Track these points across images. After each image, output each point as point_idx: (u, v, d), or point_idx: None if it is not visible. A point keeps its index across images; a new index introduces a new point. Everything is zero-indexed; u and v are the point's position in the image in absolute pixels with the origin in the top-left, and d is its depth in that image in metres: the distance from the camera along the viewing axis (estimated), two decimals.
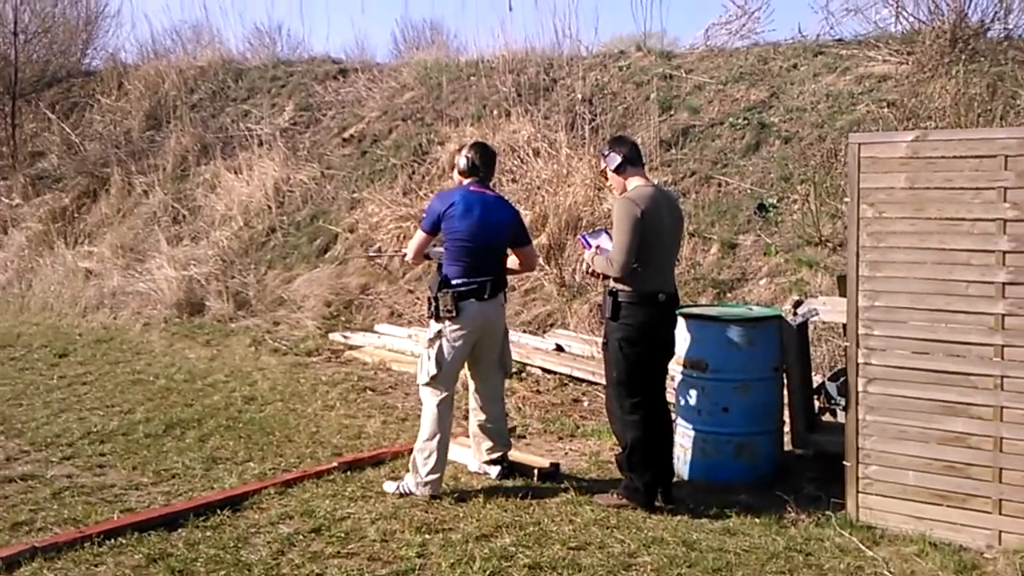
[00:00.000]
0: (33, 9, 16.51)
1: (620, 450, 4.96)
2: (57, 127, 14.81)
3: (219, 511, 4.60)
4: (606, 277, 4.86)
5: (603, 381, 5.72)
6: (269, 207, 11.40)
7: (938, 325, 4.38)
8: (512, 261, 5.28)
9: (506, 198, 5.51)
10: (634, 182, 4.85)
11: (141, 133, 14.09)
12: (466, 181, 5.14)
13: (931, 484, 4.41)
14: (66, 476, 5.22)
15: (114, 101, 15.06)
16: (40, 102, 15.72)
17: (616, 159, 4.86)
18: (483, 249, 4.97)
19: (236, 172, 12.05)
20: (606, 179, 5.10)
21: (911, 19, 10.04)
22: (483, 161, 5.16)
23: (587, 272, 5.29)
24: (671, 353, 4.99)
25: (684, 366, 5.30)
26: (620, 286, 4.74)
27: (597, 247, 4.94)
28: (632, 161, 4.87)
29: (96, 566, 4.02)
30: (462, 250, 4.94)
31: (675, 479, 5.04)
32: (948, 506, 4.37)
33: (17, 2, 15.75)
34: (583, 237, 5.16)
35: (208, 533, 4.37)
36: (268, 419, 6.41)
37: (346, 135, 12.26)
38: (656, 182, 5.20)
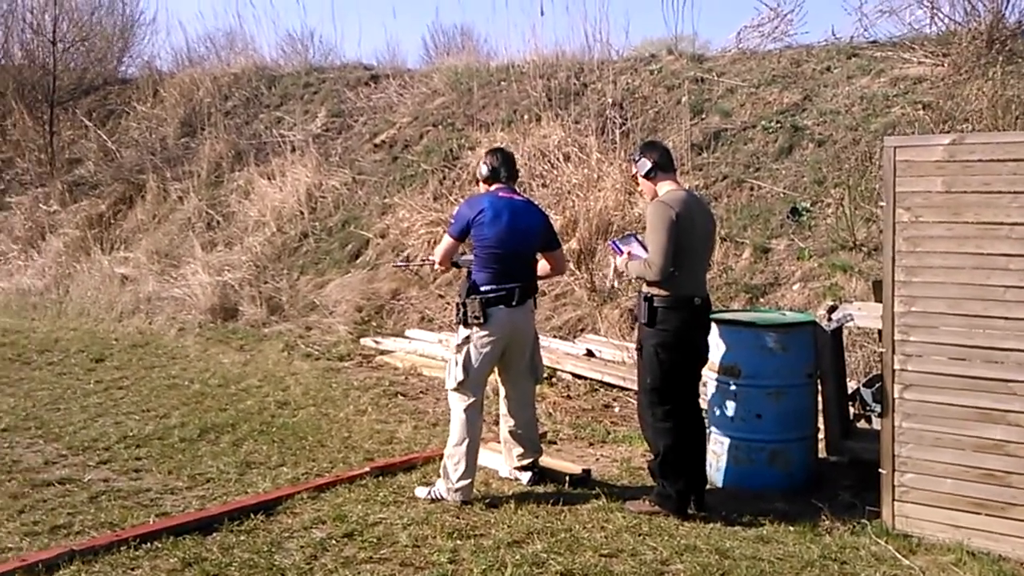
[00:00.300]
0: (71, 18, 16.79)
1: (652, 457, 4.93)
2: (94, 134, 15.04)
3: (253, 515, 4.64)
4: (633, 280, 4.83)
5: (634, 387, 5.70)
6: (301, 213, 11.50)
7: (975, 331, 4.31)
8: (542, 265, 5.27)
9: (535, 202, 5.51)
10: (665, 187, 4.83)
11: (176, 140, 14.28)
12: (492, 187, 5.14)
13: (969, 492, 4.35)
14: (103, 480, 5.29)
15: (150, 108, 15.27)
16: (77, 110, 15.98)
17: (646, 165, 4.84)
18: (512, 255, 4.97)
19: (269, 178, 12.17)
20: (637, 184, 5.08)
21: (947, 20, 9.94)
22: (503, 163, 5.16)
23: (620, 276, 5.26)
24: (705, 359, 4.96)
25: (717, 372, 5.26)
26: (656, 291, 4.71)
27: (629, 252, 4.91)
28: (663, 167, 4.86)
29: (133, 569, 4.06)
30: (491, 257, 4.94)
31: (708, 486, 5.00)
32: (987, 515, 4.30)
33: (56, 11, 16.03)
34: (614, 243, 5.13)
35: (242, 537, 4.40)
36: (301, 424, 6.46)
37: (377, 141, 12.34)
38: (687, 187, 5.17)
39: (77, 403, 7.09)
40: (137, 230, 12.74)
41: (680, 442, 4.74)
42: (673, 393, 4.76)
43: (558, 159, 10.07)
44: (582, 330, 8.34)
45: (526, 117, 11.01)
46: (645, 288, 4.77)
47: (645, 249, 4.82)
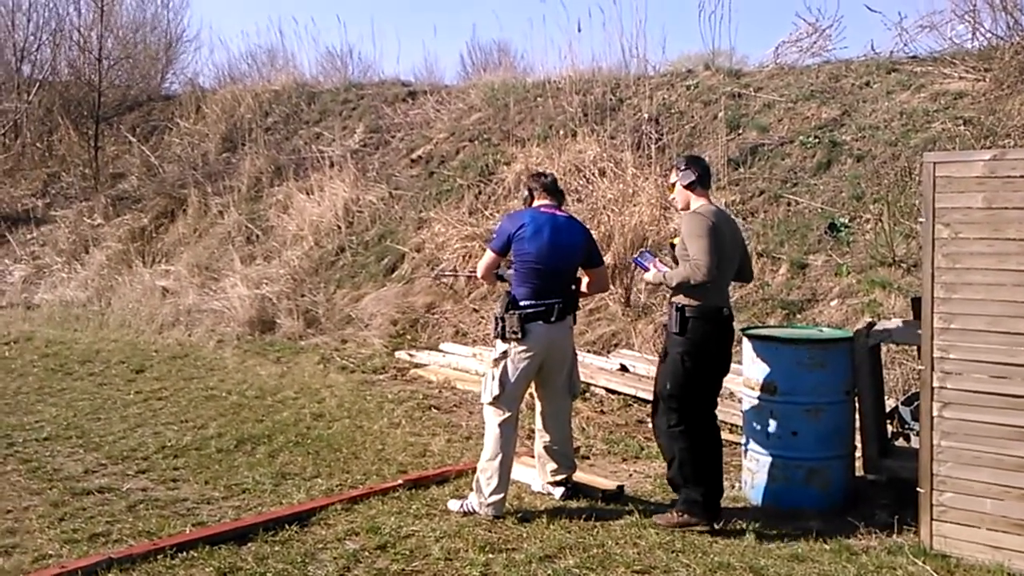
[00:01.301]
0: (116, 36, 17.16)
1: (667, 467, 4.93)
2: (137, 150, 15.33)
3: (287, 526, 4.68)
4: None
5: None
6: (339, 227, 11.61)
7: (1017, 349, 4.24)
8: (586, 282, 5.26)
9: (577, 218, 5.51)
10: (699, 201, 4.93)
11: (217, 155, 14.51)
12: (536, 203, 5.17)
13: (1010, 512, 4.26)
14: (141, 489, 5.36)
15: (192, 124, 15.54)
16: (121, 125, 16.31)
17: (690, 176, 4.93)
18: (552, 271, 4.97)
19: (308, 193, 12.31)
20: (672, 190, 5.11)
21: (988, 35, 9.82)
22: (546, 188, 5.20)
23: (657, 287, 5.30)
24: (727, 368, 4.97)
25: (753, 389, 5.22)
26: (687, 301, 4.77)
27: (654, 265, 4.97)
28: (702, 182, 4.96)
29: None
30: (531, 272, 4.95)
31: (742, 505, 4.96)
32: None
33: (102, 29, 16.38)
34: (638, 261, 5.19)
35: (277, 548, 4.44)
36: (335, 436, 6.50)
37: (414, 156, 12.44)
38: (718, 205, 5.20)
39: (117, 413, 7.20)
40: (178, 243, 12.94)
41: (695, 446, 4.77)
42: (691, 400, 4.80)
43: (594, 174, 10.08)
44: (616, 345, 8.32)
45: (562, 132, 11.04)
46: (676, 299, 4.81)
47: (674, 263, 4.91)
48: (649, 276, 5.05)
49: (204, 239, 12.75)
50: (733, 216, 6.62)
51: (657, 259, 5.06)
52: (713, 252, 4.66)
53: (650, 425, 6.70)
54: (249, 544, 4.47)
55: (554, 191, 5.26)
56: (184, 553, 4.31)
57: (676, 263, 4.87)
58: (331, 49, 18.20)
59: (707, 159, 6.20)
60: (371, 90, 14.75)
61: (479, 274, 5.28)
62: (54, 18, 17.40)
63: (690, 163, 5.01)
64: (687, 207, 4.95)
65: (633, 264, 5.38)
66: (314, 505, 4.97)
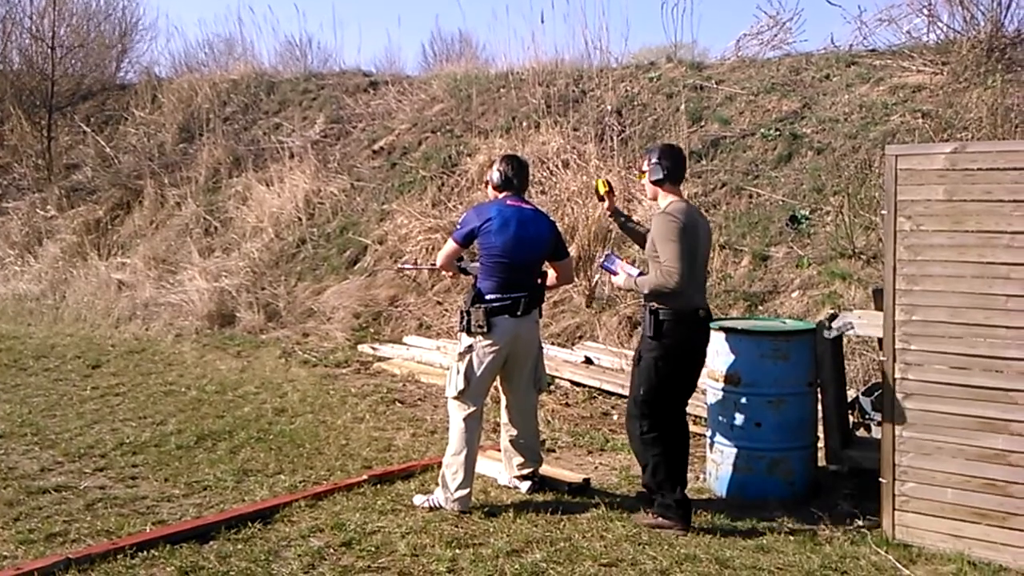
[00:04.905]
0: (70, 23, 16.77)
1: (642, 471, 4.88)
2: (92, 140, 15.03)
3: (250, 524, 4.61)
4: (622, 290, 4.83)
5: None
6: (299, 219, 11.48)
7: (977, 340, 4.30)
8: (550, 275, 5.23)
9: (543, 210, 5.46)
10: (668, 198, 4.81)
11: (174, 146, 14.27)
12: (501, 195, 5.11)
13: (970, 502, 4.33)
14: (99, 487, 5.26)
15: (148, 114, 15.27)
16: (75, 115, 15.97)
17: (658, 173, 4.78)
18: (519, 265, 4.93)
19: (267, 184, 12.15)
20: (641, 177, 4.97)
21: (945, 28, 9.97)
22: (516, 173, 5.11)
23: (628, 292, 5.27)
24: (701, 368, 4.95)
25: (717, 380, 5.25)
26: (661, 305, 4.68)
27: (622, 268, 4.93)
28: (672, 178, 4.82)
29: None
30: (497, 265, 4.90)
31: (707, 496, 4.98)
32: (988, 524, 4.29)
33: (55, 16, 16.01)
34: (606, 266, 5.10)
35: (239, 546, 4.37)
36: (298, 431, 6.43)
37: (376, 147, 12.33)
38: (687, 200, 5.15)
39: (73, 409, 7.05)
40: (134, 236, 12.72)
41: (668, 451, 4.74)
42: (664, 404, 4.74)
43: (557, 166, 10.06)
44: (580, 337, 8.32)
45: (525, 124, 11.00)
46: (651, 302, 4.73)
47: (636, 265, 4.88)
48: (619, 281, 4.95)
49: (161, 231, 12.53)
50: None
51: (624, 260, 4.99)
52: (685, 257, 4.57)
53: (615, 417, 6.76)
54: (211, 543, 4.39)
55: (526, 178, 5.19)
56: (144, 552, 4.23)
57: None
58: (290, 38, 18.04)
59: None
60: (332, 80, 14.60)
61: (439, 263, 5.21)
62: (4, 5, 16.97)
63: (662, 156, 4.80)
64: (655, 199, 4.87)
65: (600, 268, 5.31)
66: (277, 502, 4.91)
